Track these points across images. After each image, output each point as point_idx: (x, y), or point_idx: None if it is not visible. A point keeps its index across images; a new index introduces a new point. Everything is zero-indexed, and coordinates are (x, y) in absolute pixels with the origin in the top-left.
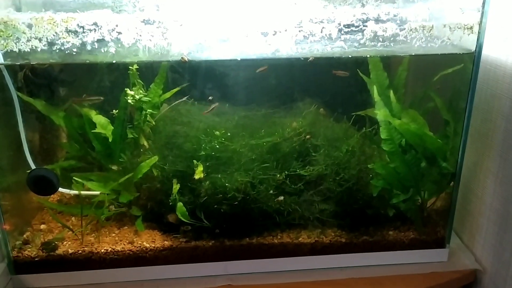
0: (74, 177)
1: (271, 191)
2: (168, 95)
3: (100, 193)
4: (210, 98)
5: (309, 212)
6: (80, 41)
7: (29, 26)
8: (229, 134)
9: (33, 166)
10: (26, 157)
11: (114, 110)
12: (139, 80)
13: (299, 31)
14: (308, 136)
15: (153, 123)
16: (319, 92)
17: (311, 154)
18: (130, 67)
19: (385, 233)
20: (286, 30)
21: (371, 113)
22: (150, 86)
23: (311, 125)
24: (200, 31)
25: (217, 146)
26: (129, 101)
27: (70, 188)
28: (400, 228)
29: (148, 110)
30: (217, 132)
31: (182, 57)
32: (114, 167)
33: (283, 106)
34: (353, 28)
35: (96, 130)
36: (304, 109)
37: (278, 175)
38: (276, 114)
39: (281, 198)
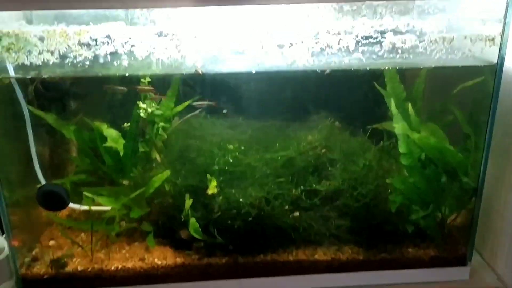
0: (84, 192)
1: (286, 207)
2: (180, 108)
3: (111, 209)
4: (224, 111)
5: (325, 228)
6: (93, 54)
7: (41, 39)
8: (243, 148)
9: (43, 181)
10: (36, 171)
11: (125, 124)
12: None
13: (316, 43)
14: (323, 150)
15: (165, 136)
16: (335, 105)
17: (327, 168)
18: (142, 80)
19: (404, 251)
20: (302, 42)
21: (388, 127)
22: (162, 101)
23: (326, 139)
24: (215, 43)
25: (231, 160)
26: (141, 114)
27: (80, 203)
28: (419, 245)
29: (160, 123)
30: (231, 146)
31: (196, 70)
32: (125, 182)
33: (297, 119)
34: (371, 40)
35: (107, 144)
36: (319, 122)
37: (293, 190)
38: (290, 128)
39: (297, 213)
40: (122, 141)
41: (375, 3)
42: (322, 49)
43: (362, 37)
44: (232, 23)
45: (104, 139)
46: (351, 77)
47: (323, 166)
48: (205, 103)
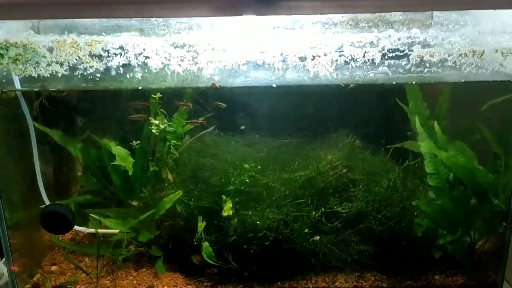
0: (90, 214)
1: (306, 230)
2: (191, 126)
3: (119, 232)
4: (242, 127)
5: (347, 253)
6: (104, 66)
7: (50, 50)
8: (259, 167)
9: (47, 201)
10: (39, 191)
11: (134, 142)
12: (161, 110)
13: (340, 56)
14: (345, 170)
15: (177, 155)
16: (357, 121)
17: (348, 189)
18: (152, 95)
19: (431, 278)
20: (325, 55)
21: (411, 146)
22: (174, 115)
23: (347, 158)
24: (233, 55)
25: (247, 180)
26: (154, 131)
27: (85, 225)
28: (447, 272)
29: (172, 141)
30: (246, 165)
31: (213, 83)
32: (134, 203)
33: (317, 136)
34: (398, 53)
35: (116, 163)
36: (340, 140)
37: (313, 212)
38: (310, 146)
39: (317, 237)
40: (131, 160)
41: (392, 19)
42: (346, 62)
43: (388, 50)
44: (252, 34)
45: (112, 157)
46: (375, 92)
47: (344, 187)
48: (197, 121)
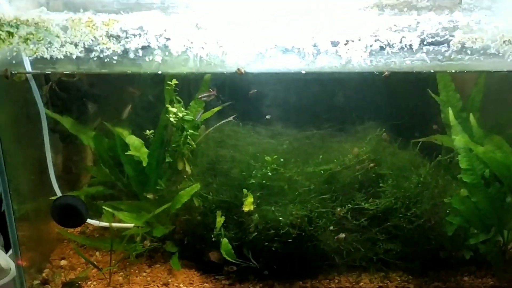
0: (104, 206)
1: (331, 227)
2: (209, 114)
3: (133, 226)
4: (267, 117)
5: (372, 252)
6: (122, 48)
7: (64, 29)
8: (282, 159)
9: (58, 193)
10: (49, 181)
11: (148, 131)
12: (177, 97)
13: (375, 41)
14: (372, 164)
15: (194, 145)
16: (385, 113)
17: (376, 185)
18: (168, 82)
19: (460, 279)
20: (360, 40)
21: (440, 140)
22: (190, 103)
23: (375, 152)
24: (260, 38)
25: (269, 174)
26: (171, 119)
27: (96, 218)
28: (476, 273)
29: (190, 130)
30: (268, 158)
31: (238, 69)
32: (149, 196)
33: (344, 128)
34: (438, 38)
35: (130, 153)
36: (367, 133)
37: (338, 209)
38: (335, 138)
39: (342, 235)
40: (145, 150)
41: (418, 5)
42: (381, 48)
43: (428, 35)
44: (281, 16)
45: (126, 147)
46: (407, 82)
47: (371, 182)
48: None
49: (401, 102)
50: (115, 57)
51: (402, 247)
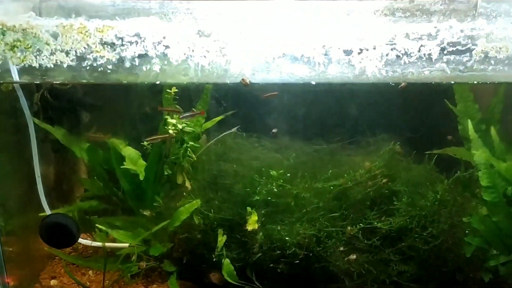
0: (97, 225)
1: (341, 248)
2: (210, 124)
3: (128, 246)
4: (274, 131)
5: (385, 274)
6: (117, 56)
7: (54, 36)
8: (288, 174)
9: (47, 209)
10: (39, 196)
11: (145, 141)
12: (177, 106)
13: (391, 50)
14: (385, 180)
15: (194, 158)
16: (398, 125)
17: (389, 202)
18: (167, 90)
19: None
20: (374, 48)
21: (455, 153)
22: None
23: (388, 166)
24: (268, 46)
25: (275, 190)
26: (170, 131)
27: (90, 234)
28: None
29: (190, 142)
30: (274, 172)
31: (242, 79)
32: (146, 213)
33: (354, 141)
34: (459, 47)
35: (125, 166)
36: (379, 146)
37: (348, 228)
38: (346, 151)
39: (353, 256)
40: (143, 163)
41: (432, 8)
42: (398, 57)
43: (448, 44)
44: (290, 23)
45: (121, 159)
46: (422, 93)
47: (384, 199)
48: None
49: (415, 113)
50: (110, 66)
51: (417, 269)
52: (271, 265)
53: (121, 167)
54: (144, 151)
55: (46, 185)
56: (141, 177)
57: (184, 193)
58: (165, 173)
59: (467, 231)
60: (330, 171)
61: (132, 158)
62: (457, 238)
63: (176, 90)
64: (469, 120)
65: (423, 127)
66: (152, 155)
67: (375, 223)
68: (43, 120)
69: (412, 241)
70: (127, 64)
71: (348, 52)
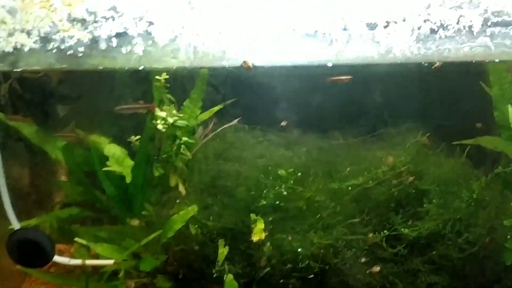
0: (76, 239)
1: (362, 259)
2: (206, 115)
3: (113, 263)
4: (282, 123)
5: (413, 286)
6: (90, 36)
7: (12, 13)
8: (299, 174)
9: (16, 224)
10: (5, 209)
11: (133, 137)
12: (169, 96)
13: (424, 22)
14: (411, 178)
15: (190, 156)
16: (426, 111)
17: (417, 203)
18: (157, 77)
19: None
20: (404, 20)
21: (494, 144)
22: (184, 103)
23: (414, 161)
24: (273, 21)
25: (284, 193)
26: (160, 126)
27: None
28: None
29: (183, 138)
30: (283, 172)
31: (244, 62)
32: (134, 222)
33: (375, 132)
34: (506, 18)
35: (109, 168)
36: (404, 137)
37: (370, 235)
38: (366, 145)
39: (376, 268)
40: (130, 163)
41: None
42: (432, 31)
43: (493, 13)
44: None
45: (104, 159)
46: (459, 74)
47: (411, 201)
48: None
49: (446, 98)
50: (81, 48)
51: (449, 280)
52: (281, 280)
53: (103, 169)
54: (131, 149)
55: (20, 191)
56: (128, 180)
57: (178, 199)
58: (156, 173)
59: (508, 236)
60: (348, 168)
61: (117, 158)
62: (496, 244)
63: (167, 76)
64: (509, 105)
65: (456, 114)
66: (140, 154)
67: (401, 228)
68: (12, 114)
69: (445, 249)
70: (102, 45)
71: (372, 26)
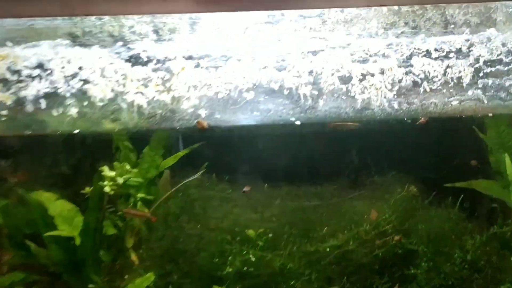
0: None
1: None
2: (170, 161)
3: None
4: (245, 189)
5: None
6: (14, 98)
7: None
8: (270, 235)
9: None
10: None
11: (86, 189)
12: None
13: (405, 73)
14: (397, 237)
15: (148, 214)
16: (412, 161)
17: (403, 265)
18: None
19: None
20: (383, 72)
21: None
22: (143, 151)
23: (400, 216)
24: (232, 75)
25: (252, 259)
26: (107, 188)
27: None
28: None
29: (139, 194)
30: (251, 232)
31: (198, 122)
32: None
33: (357, 183)
34: (500, 67)
35: (54, 232)
36: (388, 189)
37: None
38: (345, 199)
39: None
40: (80, 220)
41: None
42: (415, 83)
43: (485, 63)
44: (263, 40)
45: (49, 219)
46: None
47: (398, 261)
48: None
49: (433, 145)
50: (4, 112)
51: None
52: None
53: (46, 234)
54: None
55: None
56: (77, 242)
57: (133, 265)
58: (109, 232)
59: None
60: (326, 227)
61: (65, 217)
62: None
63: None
64: (506, 154)
65: (444, 161)
66: (88, 215)
67: None
68: None
69: None
70: (29, 108)
71: (345, 79)
